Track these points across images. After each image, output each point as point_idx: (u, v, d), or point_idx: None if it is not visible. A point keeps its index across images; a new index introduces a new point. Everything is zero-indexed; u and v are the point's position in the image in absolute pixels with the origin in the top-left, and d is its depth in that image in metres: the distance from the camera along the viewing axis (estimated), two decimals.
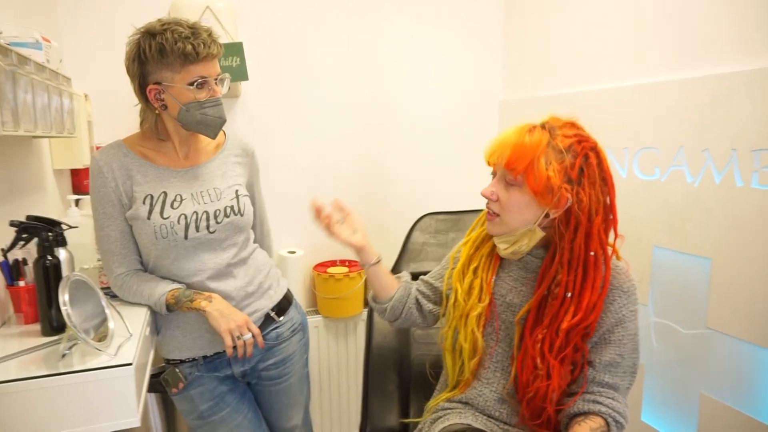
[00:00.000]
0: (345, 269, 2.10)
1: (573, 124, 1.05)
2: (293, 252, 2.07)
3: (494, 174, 1.10)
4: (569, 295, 1.02)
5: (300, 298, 1.48)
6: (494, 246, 1.15)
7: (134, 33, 1.16)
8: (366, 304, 2.11)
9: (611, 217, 1.04)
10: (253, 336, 1.24)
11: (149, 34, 1.14)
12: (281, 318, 1.36)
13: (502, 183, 1.06)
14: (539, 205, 1.02)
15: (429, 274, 1.31)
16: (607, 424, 1.02)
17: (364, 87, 2.16)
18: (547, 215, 1.03)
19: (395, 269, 1.58)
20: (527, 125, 1.05)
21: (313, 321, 2.08)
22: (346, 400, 2.21)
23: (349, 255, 2.20)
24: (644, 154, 1.56)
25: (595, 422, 1.01)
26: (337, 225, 1.24)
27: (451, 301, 1.19)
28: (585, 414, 1.03)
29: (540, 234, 1.05)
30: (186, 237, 1.21)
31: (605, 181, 1.03)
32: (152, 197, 1.21)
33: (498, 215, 1.07)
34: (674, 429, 1.51)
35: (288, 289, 1.43)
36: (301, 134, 2.11)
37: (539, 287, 1.06)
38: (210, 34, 1.17)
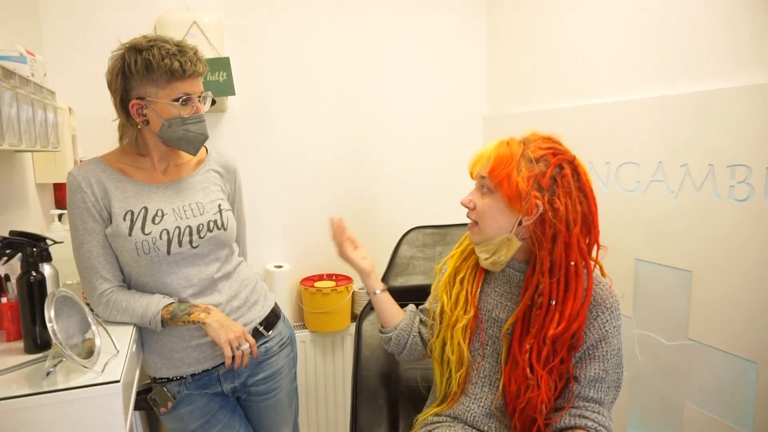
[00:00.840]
0: (332, 283, 2.09)
1: (550, 139, 1.10)
2: (280, 266, 2.06)
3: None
4: (553, 303, 1.04)
5: (287, 312, 1.48)
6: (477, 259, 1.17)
7: (118, 48, 1.16)
8: (353, 318, 2.11)
9: (593, 230, 1.07)
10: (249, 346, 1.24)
11: (135, 49, 1.14)
12: (270, 332, 1.35)
13: (479, 192, 1.11)
14: (512, 212, 1.06)
15: (426, 302, 1.32)
16: None
17: (351, 101, 2.18)
18: (520, 223, 1.05)
19: (383, 281, 1.58)
20: (507, 138, 1.10)
21: (301, 335, 2.06)
22: (333, 415, 2.19)
23: (336, 269, 2.20)
24: (625, 169, 1.60)
25: None
26: (349, 247, 1.35)
27: (438, 311, 1.21)
28: (571, 429, 1.04)
29: (517, 243, 1.07)
30: (168, 252, 1.20)
31: (584, 193, 1.05)
32: (132, 213, 1.19)
33: (476, 223, 1.12)
34: None
35: (276, 303, 1.42)
36: (287, 148, 2.12)
37: (523, 298, 1.08)
38: (196, 53, 1.19)
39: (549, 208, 1.02)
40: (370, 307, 1.55)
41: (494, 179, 1.06)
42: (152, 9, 1.86)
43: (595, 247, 1.08)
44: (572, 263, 1.03)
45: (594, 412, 1.05)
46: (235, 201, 1.40)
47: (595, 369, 1.06)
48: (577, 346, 1.05)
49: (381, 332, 1.33)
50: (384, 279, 1.60)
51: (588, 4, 1.76)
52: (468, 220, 1.16)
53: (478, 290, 1.17)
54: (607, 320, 1.06)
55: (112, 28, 1.81)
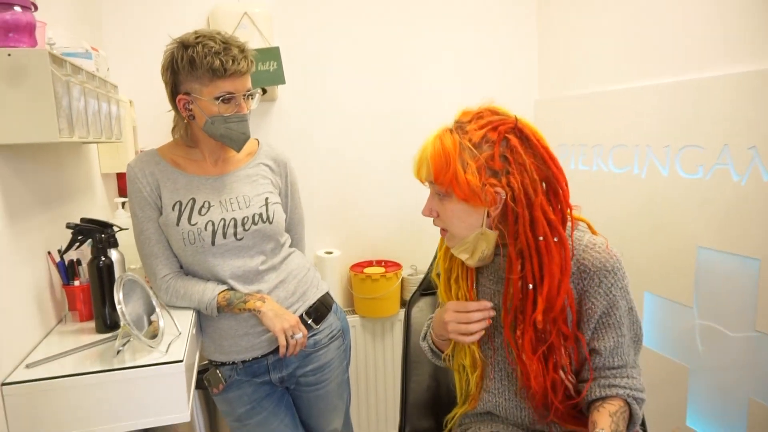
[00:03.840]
0: (381, 269, 2.11)
1: (482, 113, 0.99)
2: (330, 252, 2.10)
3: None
4: (530, 286, 0.98)
5: (337, 297, 1.50)
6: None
7: (171, 42, 1.19)
8: (402, 304, 2.12)
9: (560, 191, 0.97)
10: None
11: (183, 45, 1.17)
12: (319, 325, 1.36)
13: (436, 197, 1.01)
14: (476, 207, 0.96)
15: None
16: (628, 404, 1.00)
17: (399, 88, 2.17)
18: (489, 214, 0.97)
19: (431, 271, 1.58)
20: (440, 131, 0.99)
21: (351, 321, 2.09)
22: (383, 399, 2.22)
23: (385, 255, 2.21)
24: (687, 152, 1.53)
25: (614, 405, 0.98)
26: None
27: None
28: (603, 399, 1.00)
29: (493, 234, 0.99)
30: (213, 243, 1.23)
31: (539, 157, 0.96)
32: (181, 203, 1.24)
33: (445, 230, 1.04)
34: None
35: (328, 294, 1.43)
36: (336, 136, 2.14)
37: (506, 286, 1.02)
38: (242, 50, 1.18)
39: (509, 190, 0.94)
40: (419, 294, 1.56)
41: (442, 184, 0.96)
42: (205, 2, 1.91)
43: (569, 209, 1.00)
44: (540, 238, 0.95)
45: (623, 377, 1.01)
46: (288, 195, 1.40)
47: (612, 337, 1.01)
48: (573, 318, 1.00)
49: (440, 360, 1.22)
50: (431, 267, 1.59)
51: None
52: None
53: (474, 285, 1.11)
54: (612, 284, 0.99)
55: (167, 22, 1.88)
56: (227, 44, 1.16)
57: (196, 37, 1.16)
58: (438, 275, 1.18)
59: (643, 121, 1.68)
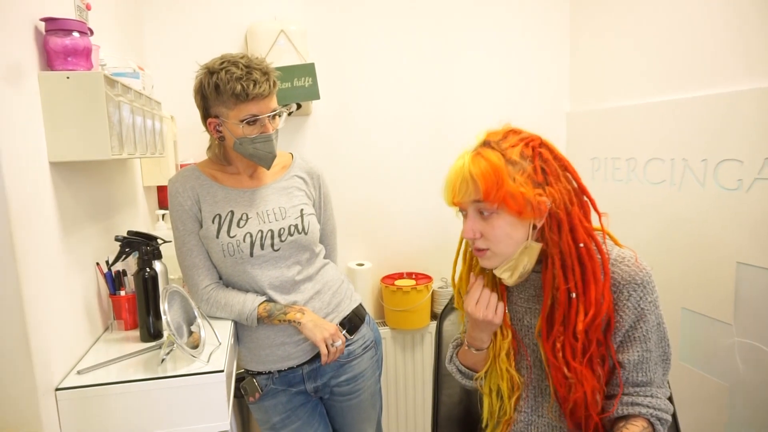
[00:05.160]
0: (412, 282, 2.12)
1: (510, 132, 1.03)
2: (361, 264, 2.12)
3: (463, 212, 1.05)
4: (573, 295, 0.98)
5: (368, 309, 1.51)
6: (494, 276, 1.09)
7: (199, 68, 1.25)
8: (433, 316, 2.13)
9: (585, 201, 1.00)
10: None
11: (209, 71, 1.22)
12: (353, 336, 1.39)
13: (479, 217, 1.00)
14: (523, 221, 0.98)
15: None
16: (651, 424, 0.99)
17: (431, 101, 2.19)
18: (534, 227, 0.99)
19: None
20: (471, 152, 1.01)
21: (381, 332, 2.11)
22: (412, 412, 2.22)
23: (416, 268, 2.23)
24: (725, 166, 1.50)
25: (637, 426, 0.97)
26: None
27: None
28: (626, 417, 0.99)
29: (537, 246, 1.00)
30: (252, 254, 1.27)
31: (565, 168, 1.00)
32: (220, 216, 1.28)
33: (487, 249, 1.02)
34: None
35: (361, 305, 1.46)
36: (369, 150, 2.17)
37: (545, 298, 1.02)
38: (265, 73, 1.21)
39: (551, 200, 0.97)
40: (451, 307, 1.56)
41: (494, 200, 0.96)
42: (243, 20, 1.97)
43: (597, 216, 1.01)
44: (581, 245, 0.97)
45: (646, 396, 1.00)
46: (321, 207, 1.43)
47: (637, 351, 0.99)
48: (611, 327, 0.99)
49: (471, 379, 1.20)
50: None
51: None
52: None
53: (506, 306, 1.10)
54: (641, 297, 0.98)
55: (207, 39, 1.95)
56: (249, 68, 1.20)
57: (221, 63, 1.21)
58: (460, 292, 1.16)
59: (679, 135, 1.66)
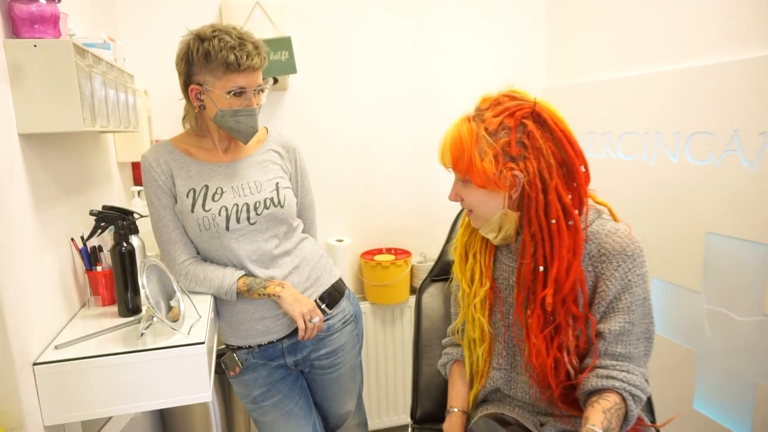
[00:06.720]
0: (391, 257, 2.14)
1: (500, 100, 1.02)
2: (341, 240, 2.13)
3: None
4: (541, 268, 1.00)
5: (348, 284, 1.52)
6: None
7: (187, 34, 1.22)
8: (412, 291, 2.15)
9: (578, 174, 0.99)
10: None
11: (199, 38, 1.19)
12: (332, 310, 1.40)
13: (460, 182, 1.06)
14: (496, 192, 1.01)
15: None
16: (624, 399, 0.98)
17: (409, 78, 2.18)
18: (510, 197, 1.01)
19: (441, 258, 1.60)
20: (461, 119, 1.03)
21: (362, 307, 2.13)
22: (393, 384, 2.26)
23: (395, 243, 2.24)
24: (697, 139, 1.54)
25: (609, 401, 0.96)
26: None
27: (460, 294, 1.19)
28: (600, 392, 0.99)
29: (514, 215, 1.03)
30: (227, 228, 1.26)
31: (556, 140, 0.98)
32: (194, 191, 1.27)
33: (471, 211, 1.08)
34: (728, 418, 1.50)
35: (340, 280, 1.46)
36: (348, 125, 2.15)
37: (518, 266, 1.05)
38: (256, 47, 1.21)
39: (527, 173, 0.97)
40: (430, 279, 1.58)
41: (460, 171, 1.01)
42: None
43: (583, 192, 1.02)
44: (553, 221, 0.98)
45: (622, 370, 0.99)
46: (298, 180, 1.42)
47: (619, 322, 1.00)
48: (585, 299, 1.01)
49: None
50: (443, 250, 1.61)
51: None
52: None
53: (492, 260, 1.14)
54: (629, 269, 0.99)
55: (180, 12, 1.90)
56: (242, 40, 1.19)
57: (213, 31, 1.19)
58: (455, 249, 1.22)
59: (653, 108, 1.69)
